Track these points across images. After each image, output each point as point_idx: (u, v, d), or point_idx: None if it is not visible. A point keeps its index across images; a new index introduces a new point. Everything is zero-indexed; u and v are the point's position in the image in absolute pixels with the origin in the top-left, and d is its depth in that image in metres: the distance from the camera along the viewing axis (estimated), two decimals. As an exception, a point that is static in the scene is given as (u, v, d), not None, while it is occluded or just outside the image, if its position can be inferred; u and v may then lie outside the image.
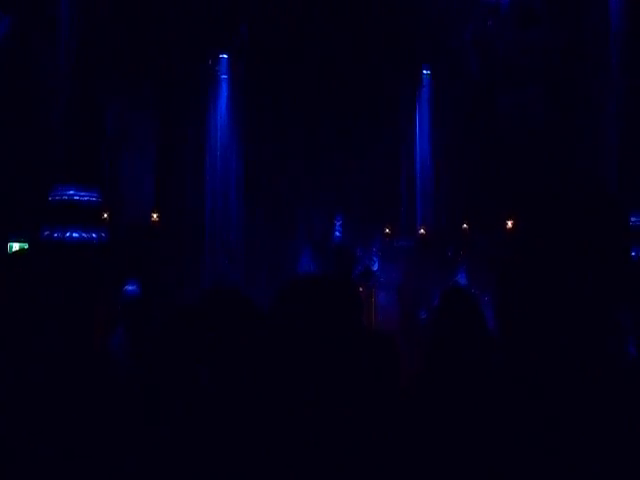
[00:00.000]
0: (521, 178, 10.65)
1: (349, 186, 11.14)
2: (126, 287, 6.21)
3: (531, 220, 2.96)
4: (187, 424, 3.33)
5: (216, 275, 10.52)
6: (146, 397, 4.00)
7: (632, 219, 7.91)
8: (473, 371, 3.15)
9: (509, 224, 10.64)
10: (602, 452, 2.46)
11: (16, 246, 8.08)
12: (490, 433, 2.68)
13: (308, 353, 3.78)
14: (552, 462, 2.48)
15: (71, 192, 6.48)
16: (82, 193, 6.50)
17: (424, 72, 12.04)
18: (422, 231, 10.89)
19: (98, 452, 3.81)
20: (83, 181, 6.57)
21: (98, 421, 4.25)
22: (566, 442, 2.49)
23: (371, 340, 4.70)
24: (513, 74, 10.90)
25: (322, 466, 3.17)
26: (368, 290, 9.06)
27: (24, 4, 8.86)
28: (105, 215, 7.35)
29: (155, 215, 10.20)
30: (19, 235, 8.08)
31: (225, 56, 11.26)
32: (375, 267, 8.83)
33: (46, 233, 6.34)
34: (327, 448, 3.29)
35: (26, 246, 7.97)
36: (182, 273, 10.04)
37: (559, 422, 2.54)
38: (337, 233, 9.00)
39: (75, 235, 6.31)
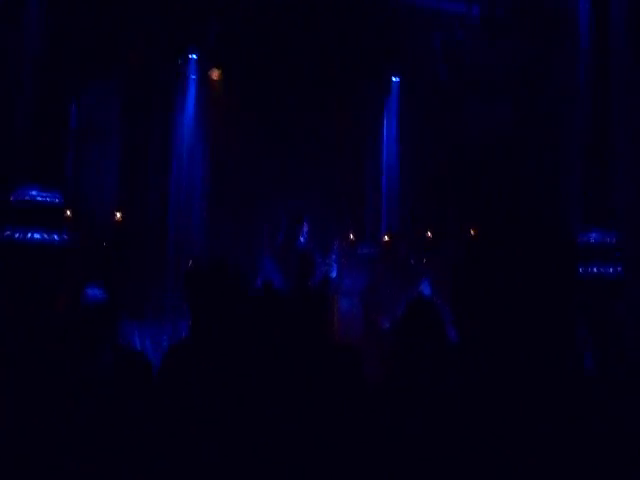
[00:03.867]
0: (486, 187, 10.72)
1: (314, 191, 11.13)
2: (88, 290, 6.15)
3: (484, 235, 2.98)
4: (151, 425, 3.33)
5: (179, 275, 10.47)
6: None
7: (593, 235, 8.01)
8: (430, 381, 3.17)
9: (472, 232, 10.70)
10: (556, 467, 2.48)
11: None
12: (448, 442, 2.70)
13: (275, 362, 3.78)
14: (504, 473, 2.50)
15: (33, 193, 6.42)
16: (44, 194, 6.44)
17: (393, 79, 12.06)
18: (386, 238, 10.91)
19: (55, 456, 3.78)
20: (46, 182, 6.51)
21: (52, 423, 4.20)
22: (519, 455, 2.52)
23: (335, 351, 4.71)
24: (481, 84, 10.96)
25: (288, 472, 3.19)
26: (329, 297, 9.04)
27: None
28: (68, 213, 7.27)
29: (118, 214, 10.12)
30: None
31: (194, 56, 11.19)
32: (333, 274, 8.81)
33: (7, 233, 6.27)
34: (292, 459, 3.30)
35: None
36: (145, 273, 9.98)
37: (513, 434, 2.56)
38: (301, 238, 8.97)
39: (37, 236, 6.26)
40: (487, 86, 10.90)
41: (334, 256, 8.86)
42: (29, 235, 6.27)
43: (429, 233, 11.03)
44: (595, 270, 7.84)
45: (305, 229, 9.00)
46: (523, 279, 2.88)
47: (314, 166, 11.34)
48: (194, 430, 3.15)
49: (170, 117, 11.11)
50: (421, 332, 5.05)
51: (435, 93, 11.32)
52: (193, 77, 11.28)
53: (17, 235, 6.28)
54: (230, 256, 9.96)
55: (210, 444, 3.13)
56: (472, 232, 10.59)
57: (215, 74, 11.02)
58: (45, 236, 6.32)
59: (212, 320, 3.43)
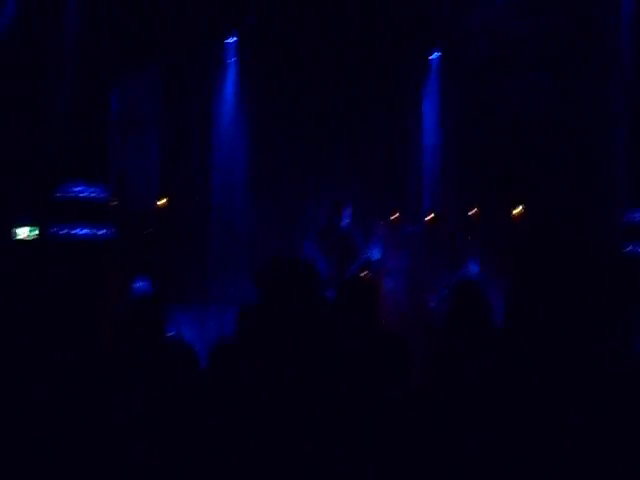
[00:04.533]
0: (528, 163, 10.62)
1: (356, 173, 11.10)
2: (135, 284, 6.20)
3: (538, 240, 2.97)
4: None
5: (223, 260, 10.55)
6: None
7: (638, 215, 7.91)
8: (479, 370, 3.15)
9: (518, 209, 10.62)
10: (607, 451, 2.46)
11: (23, 231, 8.03)
12: (498, 432, 2.69)
13: (327, 350, 3.78)
14: (557, 461, 2.48)
15: (78, 189, 6.46)
16: (89, 189, 6.49)
17: (432, 57, 11.95)
18: (430, 216, 10.84)
19: (105, 452, 3.82)
20: (90, 177, 6.55)
21: (105, 420, 4.25)
22: (571, 441, 2.50)
23: (386, 341, 4.70)
24: (521, 59, 10.82)
25: (328, 463, 3.19)
26: (375, 277, 9.01)
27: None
28: (113, 203, 7.31)
29: (162, 201, 10.18)
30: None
31: (233, 40, 11.16)
32: (375, 257, 8.76)
33: (53, 230, 6.33)
34: (335, 444, 3.30)
35: (35, 231, 7.95)
36: (189, 259, 10.06)
37: (564, 421, 2.54)
38: (344, 221, 8.93)
39: (83, 232, 6.30)
40: (527, 62, 10.75)
41: (376, 239, 8.79)
42: (75, 231, 6.32)
43: (474, 211, 10.93)
44: (642, 250, 7.76)
45: (348, 212, 8.93)
46: (574, 278, 2.85)
47: (355, 148, 11.30)
48: (242, 429, 3.16)
49: (210, 102, 11.12)
50: (468, 318, 5.03)
51: (475, 69, 11.19)
52: (232, 60, 11.25)
53: (62, 231, 6.33)
54: (273, 242, 10.02)
55: (257, 442, 3.14)
56: (517, 209, 10.52)
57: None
58: (91, 232, 6.37)
59: (281, 320, 3.43)
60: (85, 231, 6.33)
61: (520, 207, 10.62)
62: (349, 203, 9.01)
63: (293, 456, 3.15)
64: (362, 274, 8.63)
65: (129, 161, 10.11)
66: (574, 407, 2.56)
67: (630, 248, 7.79)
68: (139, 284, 6.25)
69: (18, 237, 7.92)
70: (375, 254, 8.79)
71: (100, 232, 6.41)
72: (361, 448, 3.36)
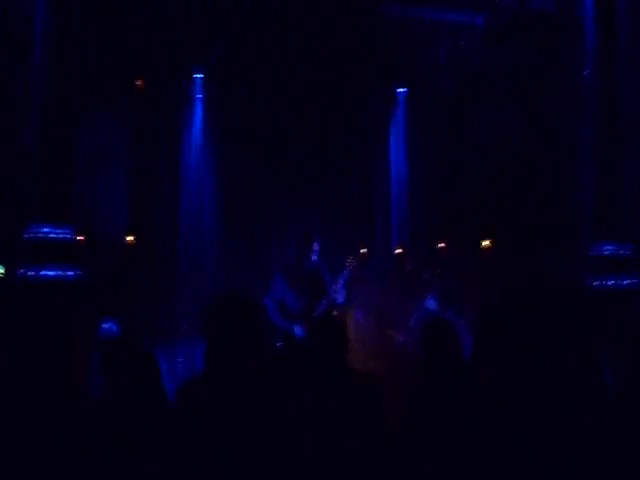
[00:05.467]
0: (497, 196, 10.70)
1: (324, 208, 11.12)
2: (103, 325, 6.16)
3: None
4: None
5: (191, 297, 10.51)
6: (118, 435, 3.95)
7: (607, 247, 7.97)
8: (453, 407, 3.16)
9: (485, 243, 10.69)
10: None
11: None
12: (476, 467, 2.70)
13: (297, 390, 3.76)
14: None
15: (46, 230, 6.41)
16: (57, 231, 6.44)
17: (399, 91, 12.04)
18: (398, 251, 10.89)
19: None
20: (58, 218, 6.51)
21: (74, 455, 4.19)
22: (544, 471, 2.51)
23: (358, 380, 4.69)
24: (487, 94, 10.94)
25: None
26: (343, 316, 9.02)
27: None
28: (80, 239, 7.25)
29: (130, 238, 10.15)
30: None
31: (200, 76, 11.20)
32: (340, 300, 8.75)
33: (21, 271, 6.27)
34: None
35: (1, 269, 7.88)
36: (157, 297, 10.01)
37: (538, 452, 2.56)
38: (314, 257, 8.92)
39: (51, 273, 6.25)
40: (493, 95, 10.88)
41: (342, 280, 8.78)
42: (43, 272, 6.27)
43: (442, 244, 10.99)
44: (610, 283, 7.80)
45: (316, 247, 8.93)
46: (541, 315, 2.88)
47: (323, 181, 11.33)
48: (208, 464, 3.14)
49: (178, 138, 11.13)
50: (440, 357, 5.05)
51: (441, 104, 11.30)
52: (199, 96, 11.29)
53: (31, 273, 6.28)
54: (241, 277, 10.00)
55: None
56: (485, 243, 10.59)
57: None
58: (59, 273, 6.32)
59: (228, 356, 3.40)
60: (53, 272, 6.28)
61: (487, 241, 10.71)
62: (315, 237, 9.02)
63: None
64: (331, 314, 8.63)
65: (97, 197, 10.06)
66: (547, 439, 2.58)
67: (597, 282, 7.86)
68: (107, 325, 6.23)
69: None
70: (340, 297, 8.78)
71: (69, 273, 6.36)
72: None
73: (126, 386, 4.35)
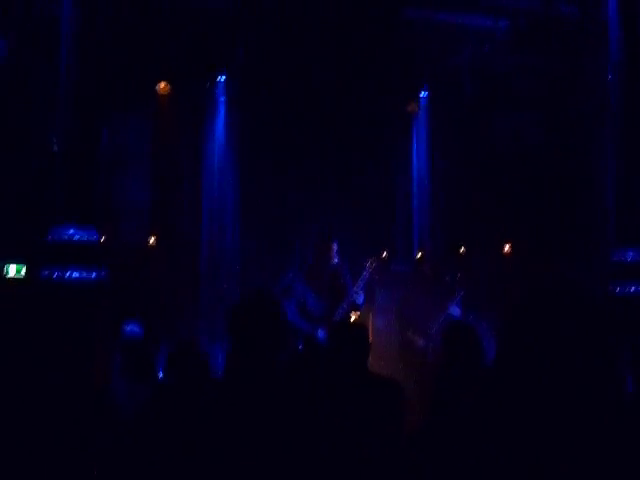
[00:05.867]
0: (519, 201, 10.69)
1: (346, 210, 11.13)
2: (125, 327, 6.21)
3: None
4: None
5: (214, 299, 10.56)
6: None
7: (630, 254, 7.93)
8: (474, 413, 3.16)
9: (506, 248, 10.67)
10: None
11: (12, 268, 8.03)
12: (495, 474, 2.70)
13: (317, 394, 3.78)
14: None
15: (70, 232, 6.46)
16: (81, 232, 6.49)
17: (421, 94, 12.03)
18: (419, 255, 10.88)
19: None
20: (81, 220, 6.55)
21: (97, 458, 4.23)
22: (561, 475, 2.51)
23: (378, 385, 4.71)
24: (510, 98, 10.93)
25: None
26: (364, 319, 9.04)
27: (22, 27, 8.79)
28: (102, 239, 7.31)
29: (152, 239, 10.20)
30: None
31: (223, 78, 11.23)
32: (359, 301, 8.79)
33: (46, 273, 6.32)
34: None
35: (23, 269, 7.95)
36: (180, 299, 10.06)
37: (559, 462, 2.55)
38: (335, 259, 8.96)
39: (75, 275, 6.30)
40: (516, 100, 10.86)
41: (362, 282, 8.81)
42: (67, 274, 6.32)
43: (462, 248, 10.99)
44: (632, 290, 7.77)
45: (335, 247, 8.97)
46: (563, 323, 2.88)
47: (345, 184, 11.34)
48: (226, 462, 3.16)
49: (200, 140, 11.16)
50: (462, 362, 5.05)
51: (464, 107, 11.28)
52: (222, 99, 11.32)
53: (55, 274, 6.33)
54: (262, 278, 10.04)
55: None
56: (506, 247, 10.57)
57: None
58: (83, 274, 6.37)
59: (252, 355, 3.43)
60: (77, 274, 6.33)
61: (508, 245, 10.69)
62: (333, 238, 9.06)
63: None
64: (351, 317, 8.67)
65: (120, 198, 10.13)
66: (569, 449, 2.57)
67: (619, 289, 7.83)
68: (130, 327, 6.28)
69: (9, 276, 7.93)
70: (360, 298, 8.81)
71: (92, 275, 6.40)
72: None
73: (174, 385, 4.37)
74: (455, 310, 8.94)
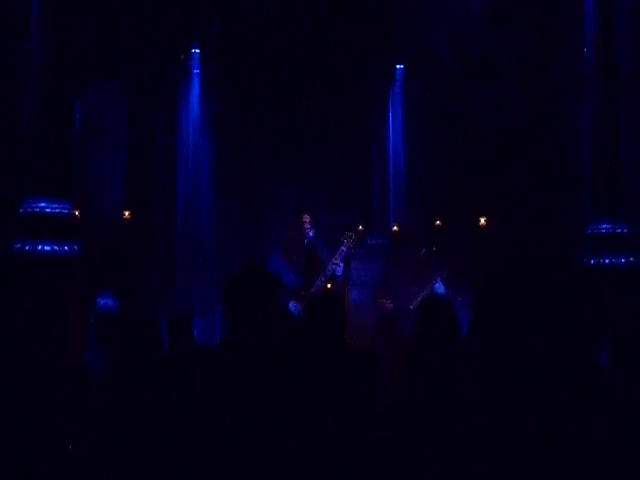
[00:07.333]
0: (495, 175, 10.70)
1: (321, 184, 11.11)
2: (99, 300, 6.16)
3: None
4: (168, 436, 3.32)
5: (189, 273, 10.54)
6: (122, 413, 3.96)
7: (604, 225, 7.99)
8: (447, 382, 3.18)
9: (482, 221, 10.68)
10: (572, 461, 2.49)
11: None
12: (469, 444, 2.71)
13: (290, 365, 3.78)
14: (529, 468, 2.51)
15: (42, 204, 6.39)
16: (54, 205, 6.41)
17: (398, 67, 11.97)
18: (395, 228, 10.87)
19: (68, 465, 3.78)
20: (54, 192, 6.48)
21: (71, 433, 4.21)
22: (539, 449, 2.52)
23: (354, 356, 4.71)
24: (486, 72, 10.90)
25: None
26: (340, 290, 9.03)
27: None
28: (77, 214, 7.23)
29: (127, 213, 10.12)
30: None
31: (197, 51, 11.15)
32: (339, 272, 8.79)
33: (17, 246, 6.25)
34: (305, 463, 3.30)
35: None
36: (155, 273, 10.02)
37: (531, 429, 2.57)
38: (309, 232, 8.95)
39: (47, 248, 6.24)
40: (493, 73, 10.84)
41: (340, 256, 8.81)
42: (39, 247, 6.26)
43: (438, 221, 10.98)
44: (607, 261, 7.82)
45: (308, 220, 8.97)
46: (538, 293, 2.88)
47: (321, 158, 11.29)
48: (218, 435, 3.15)
49: (175, 113, 11.08)
50: (436, 335, 5.05)
51: (441, 80, 11.24)
52: (196, 71, 11.24)
53: (27, 247, 6.26)
54: (240, 253, 10.02)
55: (222, 450, 3.12)
56: (482, 220, 10.59)
57: None
58: (56, 247, 6.30)
59: (250, 328, 3.42)
60: (50, 247, 6.27)
61: (484, 218, 10.69)
62: (311, 213, 9.04)
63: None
64: (327, 288, 8.66)
65: (94, 172, 10.03)
66: (541, 417, 2.58)
67: (594, 260, 7.88)
68: (104, 300, 6.23)
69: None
70: (339, 269, 8.82)
71: (65, 248, 6.34)
72: (332, 467, 3.36)
73: (128, 359, 4.33)
74: (440, 288, 8.93)
